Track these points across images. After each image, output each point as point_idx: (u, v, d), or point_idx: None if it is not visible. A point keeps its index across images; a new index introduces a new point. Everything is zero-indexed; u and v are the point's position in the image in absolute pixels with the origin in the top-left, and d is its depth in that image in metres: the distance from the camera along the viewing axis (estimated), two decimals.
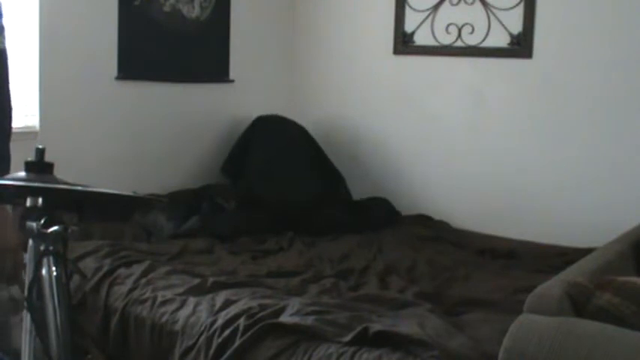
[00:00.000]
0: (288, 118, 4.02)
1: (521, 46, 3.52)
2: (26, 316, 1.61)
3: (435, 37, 3.79)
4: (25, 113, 3.23)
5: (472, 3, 3.65)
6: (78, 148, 3.36)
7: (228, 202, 3.53)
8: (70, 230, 1.57)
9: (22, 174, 1.59)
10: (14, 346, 2.19)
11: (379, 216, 3.74)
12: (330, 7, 4.21)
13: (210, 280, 2.64)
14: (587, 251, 2.57)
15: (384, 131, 4.02)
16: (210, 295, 2.52)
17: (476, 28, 3.65)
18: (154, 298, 2.55)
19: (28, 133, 3.10)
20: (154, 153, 3.75)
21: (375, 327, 2.16)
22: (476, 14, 3.64)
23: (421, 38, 3.85)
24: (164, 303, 2.52)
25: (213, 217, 3.41)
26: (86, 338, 2.62)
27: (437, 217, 3.76)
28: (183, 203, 3.48)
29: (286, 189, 3.68)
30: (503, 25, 3.57)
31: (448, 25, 3.74)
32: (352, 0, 4.11)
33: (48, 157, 1.63)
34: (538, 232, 3.40)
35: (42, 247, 1.58)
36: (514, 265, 3.08)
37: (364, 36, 4.07)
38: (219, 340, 2.27)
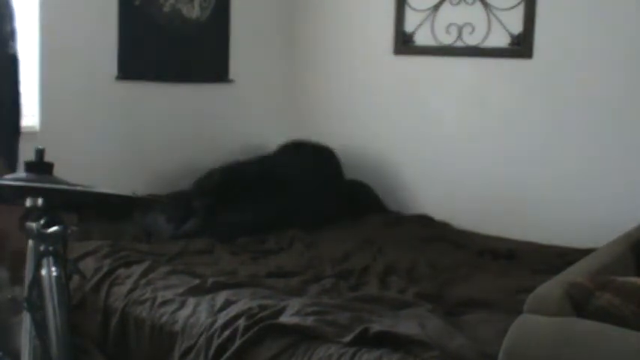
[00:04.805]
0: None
1: (521, 46, 3.52)
2: (26, 316, 1.61)
3: (435, 37, 3.79)
4: (25, 113, 3.22)
5: (472, 3, 3.65)
6: (78, 148, 3.36)
7: (223, 205, 3.51)
8: (70, 230, 1.57)
9: (22, 174, 1.60)
10: (15, 347, 2.19)
11: (366, 202, 3.81)
12: (330, 7, 4.21)
13: (210, 280, 2.64)
14: (587, 251, 2.57)
15: (384, 131, 4.02)
16: (210, 296, 2.51)
17: (476, 28, 3.65)
18: (154, 299, 2.55)
19: (28, 133, 3.09)
20: (154, 153, 3.75)
21: (376, 327, 2.16)
22: (476, 14, 3.64)
23: (421, 38, 3.85)
24: (164, 303, 2.52)
25: (212, 219, 3.41)
26: (86, 338, 2.62)
27: (437, 217, 3.76)
28: (183, 204, 3.47)
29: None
30: (503, 25, 3.57)
31: (448, 25, 3.74)
32: (352, 0, 4.11)
33: (48, 157, 1.63)
34: (538, 232, 3.40)
35: (42, 248, 1.58)
36: (514, 265, 3.07)
37: (364, 36, 4.07)
38: (219, 340, 2.27)
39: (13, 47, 1.99)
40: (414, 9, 3.85)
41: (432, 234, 3.50)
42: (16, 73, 2.01)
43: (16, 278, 2.23)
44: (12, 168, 1.91)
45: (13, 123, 1.99)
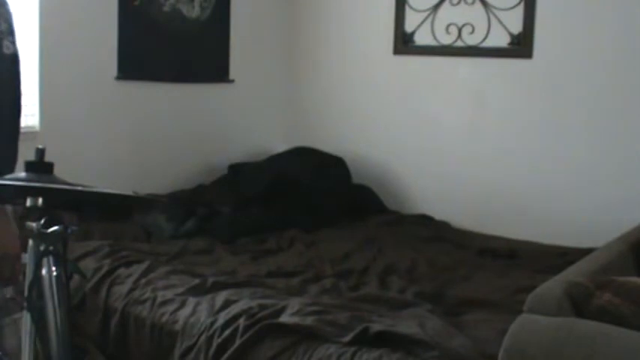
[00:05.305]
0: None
1: (521, 46, 3.52)
2: (26, 316, 1.61)
3: (435, 37, 3.79)
4: (25, 113, 3.22)
5: (472, 3, 3.65)
6: (78, 148, 3.36)
7: (224, 206, 3.52)
8: (70, 230, 1.57)
9: (22, 174, 1.60)
10: (8, 347, 2.19)
11: (367, 204, 3.83)
12: (330, 7, 4.21)
13: (210, 280, 2.64)
14: (587, 251, 2.57)
15: (384, 131, 4.02)
16: (210, 295, 2.52)
17: (476, 28, 3.65)
18: (154, 298, 2.55)
19: (28, 133, 3.09)
20: (154, 153, 3.75)
21: (375, 327, 2.16)
22: (476, 14, 3.64)
23: (421, 38, 3.85)
24: (164, 303, 2.52)
25: (212, 219, 3.41)
26: (86, 338, 2.62)
27: (437, 217, 3.76)
28: (183, 204, 3.48)
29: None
30: (503, 25, 3.57)
31: (448, 25, 3.74)
32: (352, 0, 4.11)
33: (48, 157, 1.63)
34: (538, 232, 3.40)
35: (42, 247, 1.58)
36: (514, 265, 3.07)
37: (364, 36, 4.07)
38: (219, 340, 2.27)
39: (10, 47, 1.99)
40: (414, 9, 3.85)
41: (432, 234, 3.50)
42: (16, 73, 2.01)
43: (6, 279, 2.22)
44: (11, 168, 1.91)
45: (13, 123, 2.00)
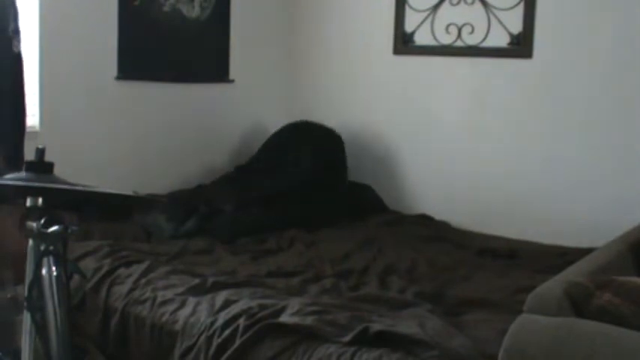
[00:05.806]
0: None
1: (521, 46, 3.52)
2: (26, 316, 1.61)
3: (435, 37, 3.79)
4: (25, 113, 3.22)
5: (472, 3, 3.65)
6: (78, 148, 3.36)
7: (225, 205, 3.52)
8: (70, 230, 1.57)
9: (22, 174, 1.60)
10: (16, 347, 2.19)
11: (367, 203, 3.84)
12: (329, 6, 4.21)
13: (210, 280, 2.64)
14: (587, 251, 2.57)
15: (384, 131, 4.02)
16: (210, 295, 2.52)
17: (476, 28, 3.65)
18: (154, 298, 2.55)
19: (28, 133, 3.09)
20: (154, 153, 3.75)
21: (375, 327, 2.16)
22: (476, 14, 3.64)
23: (421, 38, 3.85)
24: (164, 303, 2.52)
25: (212, 219, 3.41)
26: (86, 338, 2.62)
27: (437, 217, 3.76)
28: (183, 203, 3.48)
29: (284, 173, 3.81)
30: (503, 25, 3.57)
31: (448, 25, 3.74)
32: (352, 0, 4.11)
33: (48, 157, 1.63)
34: (538, 232, 3.40)
35: (42, 247, 1.58)
36: (514, 265, 3.07)
37: (364, 36, 4.07)
38: (219, 340, 2.27)
39: (18, 45, 2.01)
40: (414, 9, 3.85)
41: (432, 234, 3.50)
42: (20, 72, 2.03)
43: (17, 278, 2.23)
44: (17, 167, 1.92)
45: (18, 121, 2.01)
